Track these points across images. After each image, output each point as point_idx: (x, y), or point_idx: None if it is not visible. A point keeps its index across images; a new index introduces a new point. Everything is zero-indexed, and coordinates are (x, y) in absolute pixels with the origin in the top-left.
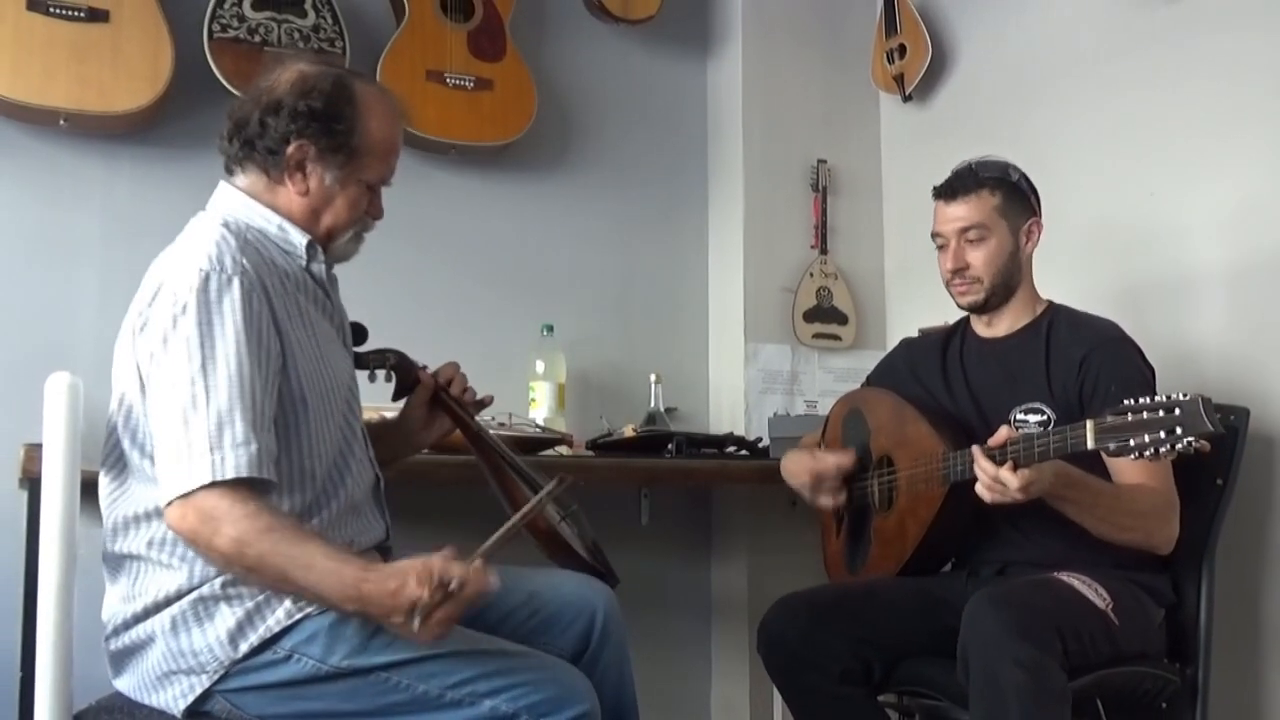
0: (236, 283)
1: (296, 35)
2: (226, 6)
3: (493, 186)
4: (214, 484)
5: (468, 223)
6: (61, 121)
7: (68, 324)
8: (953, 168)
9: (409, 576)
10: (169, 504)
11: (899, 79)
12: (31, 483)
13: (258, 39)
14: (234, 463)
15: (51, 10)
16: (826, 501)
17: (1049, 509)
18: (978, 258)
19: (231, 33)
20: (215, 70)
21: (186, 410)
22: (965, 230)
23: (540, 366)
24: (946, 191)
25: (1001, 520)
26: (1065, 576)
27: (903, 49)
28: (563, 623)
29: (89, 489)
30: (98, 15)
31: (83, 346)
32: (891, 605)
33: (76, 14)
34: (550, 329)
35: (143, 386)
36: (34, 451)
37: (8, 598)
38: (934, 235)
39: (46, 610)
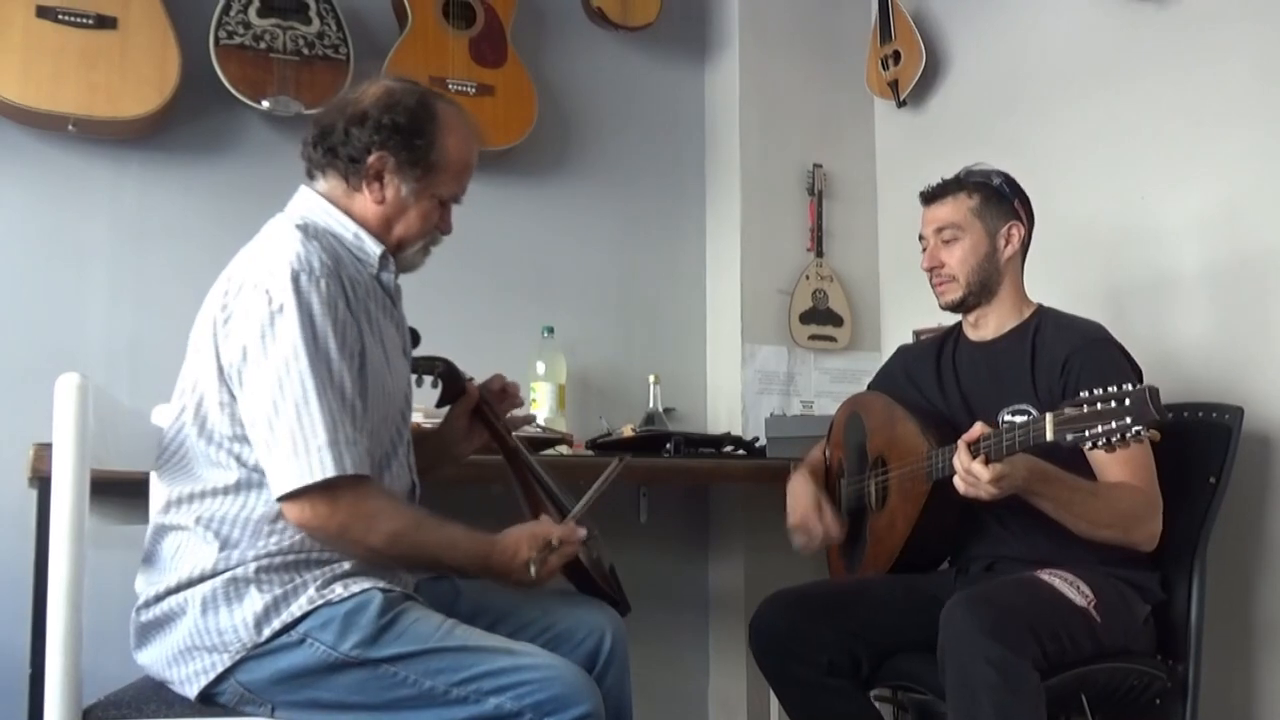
0: (324, 284)
1: (301, 42)
2: (232, 14)
3: (494, 191)
4: (349, 481)
5: (469, 226)
6: (70, 126)
7: (77, 325)
8: (944, 174)
9: (522, 543)
10: (291, 498)
11: (893, 85)
12: (41, 482)
13: (263, 45)
14: (350, 459)
15: (60, 17)
16: (795, 543)
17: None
18: (952, 256)
19: (237, 39)
20: (221, 76)
21: (300, 407)
22: (940, 230)
23: (541, 367)
24: (928, 195)
25: (989, 517)
26: (1047, 575)
27: (897, 55)
28: (573, 641)
29: (98, 488)
30: (106, 22)
31: (91, 347)
32: (880, 601)
33: (85, 21)
34: (551, 331)
35: (224, 378)
36: (44, 451)
37: (18, 595)
38: (919, 238)
39: (56, 608)
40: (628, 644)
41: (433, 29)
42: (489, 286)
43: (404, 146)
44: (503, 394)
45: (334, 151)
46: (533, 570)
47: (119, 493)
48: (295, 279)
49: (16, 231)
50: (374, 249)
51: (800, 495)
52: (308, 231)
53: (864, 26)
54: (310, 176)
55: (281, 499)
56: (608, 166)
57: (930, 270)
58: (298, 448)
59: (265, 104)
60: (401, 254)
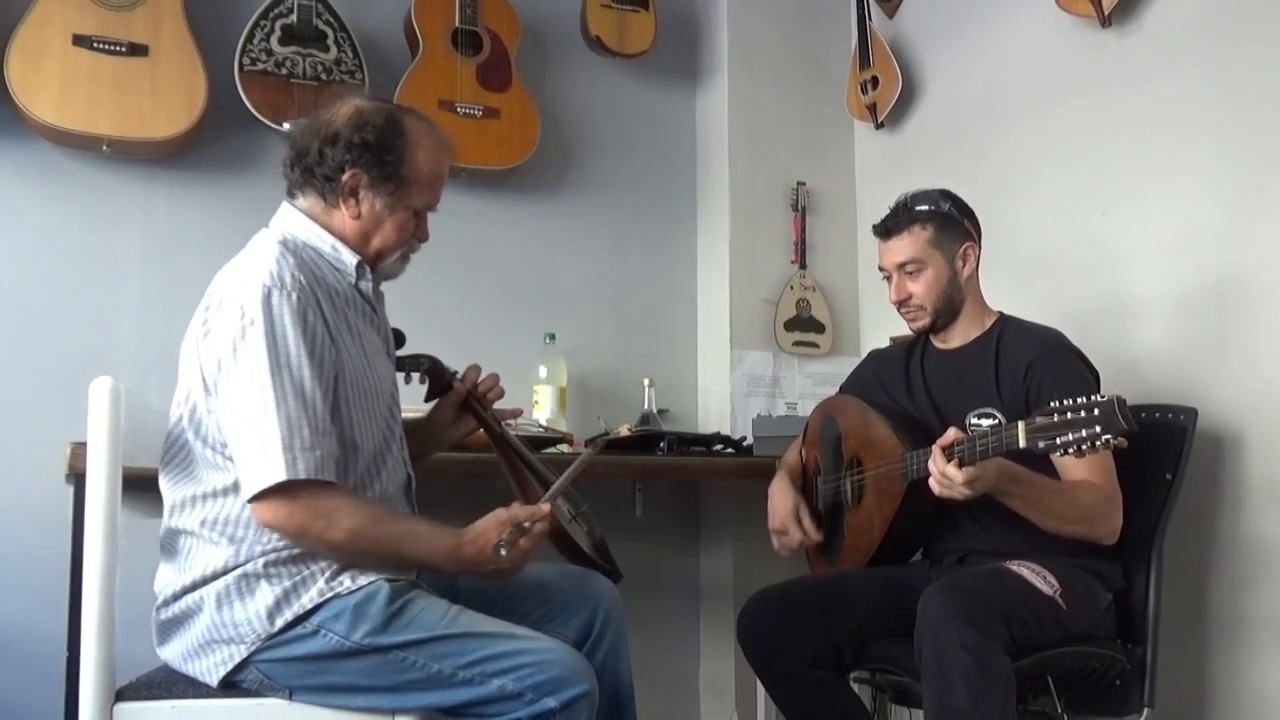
0: (296, 297)
1: (320, 68)
2: (256, 42)
3: (499, 206)
4: (305, 482)
5: (477, 240)
6: (104, 147)
7: (110, 333)
8: (890, 203)
9: (490, 529)
10: (257, 499)
11: (872, 108)
12: (77, 478)
13: (284, 71)
14: (304, 464)
15: (95, 45)
16: (776, 544)
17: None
18: (918, 288)
19: (260, 65)
20: (245, 100)
21: (260, 415)
22: (903, 265)
23: (543, 371)
24: (882, 230)
25: (962, 514)
26: (1016, 566)
27: (875, 81)
28: (568, 613)
29: (130, 484)
30: (138, 50)
31: (123, 353)
32: (860, 593)
33: (118, 49)
34: (552, 337)
35: (206, 387)
36: (79, 449)
37: (55, 585)
38: (879, 268)
39: (91, 595)
40: (623, 612)
41: (442, 56)
42: (495, 296)
43: (375, 163)
44: (487, 386)
45: (310, 171)
46: (502, 552)
47: (149, 489)
48: (267, 294)
49: (55, 245)
50: (350, 259)
51: (780, 501)
52: (287, 246)
53: (844, 53)
54: (290, 195)
55: (250, 501)
56: (605, 184)
57: (899, 303)
58: (260, 453)
59: (286, 126)
60: (381, 263)
